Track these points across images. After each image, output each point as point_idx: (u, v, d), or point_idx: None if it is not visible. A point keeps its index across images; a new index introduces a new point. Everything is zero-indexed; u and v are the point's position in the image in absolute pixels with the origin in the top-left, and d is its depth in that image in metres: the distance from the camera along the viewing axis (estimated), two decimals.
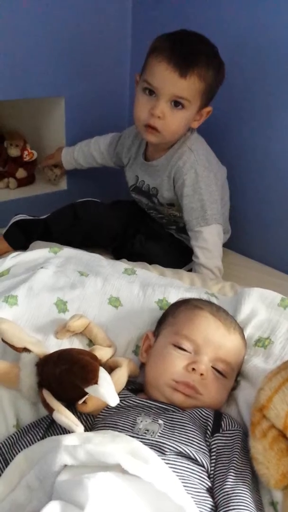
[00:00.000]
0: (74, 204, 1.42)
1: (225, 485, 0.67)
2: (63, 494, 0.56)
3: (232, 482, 0.67)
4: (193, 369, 0.77)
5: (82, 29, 1.59)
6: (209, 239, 1.30)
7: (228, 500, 0.65)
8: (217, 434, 0.73)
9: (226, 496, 0.65)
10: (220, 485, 0.67)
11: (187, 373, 0.78)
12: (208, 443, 0.72)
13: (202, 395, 0.78)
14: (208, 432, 0.73)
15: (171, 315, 0.88)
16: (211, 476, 0.69)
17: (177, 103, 1.19)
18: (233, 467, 0.69)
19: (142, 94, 1.22)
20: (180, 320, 0.84)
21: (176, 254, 1.35)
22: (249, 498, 0.66)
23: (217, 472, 0.69)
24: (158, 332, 0.87)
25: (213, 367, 0.80)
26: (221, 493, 0.66)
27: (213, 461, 0.70)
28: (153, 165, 1.36)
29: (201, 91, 1.20)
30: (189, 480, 0.65)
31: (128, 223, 1.46)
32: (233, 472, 0.68)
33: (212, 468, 0.69)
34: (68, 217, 1.40)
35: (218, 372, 0.80)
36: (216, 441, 0.73)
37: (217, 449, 0.72)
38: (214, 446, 0.72)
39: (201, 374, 0.77)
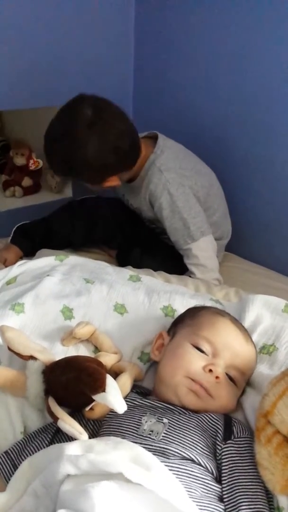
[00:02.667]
0: (72, 201, 1.50)
1: (243, 499, 0.67)
2: (68, 503, 0.57)
3: (249, 498, 0.67)
4: (210, 370, 0.78)
5: (85, 39, 1.60)
6: (199, 255, 1.29)
7: None
8: (229, 442, 0.73)
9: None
10: (237, 497, 0.67)
11: (203, 373, 0.78)
12: (219, 448, 0.72)
13: (213, 399, 0.78)
14: (219, 437, 0.73)
15: (189, 317, 0.88)
16: (223, 483, 0.69)
17: None
18: (249, 478, 0.69)
19: None
20: (201, 322, 0.85)
21: (172, 265, 1.32)
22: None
23: (232, 481, 0.69)
24: (174, 331, 0.88)
25: (227, 374, 0.80)
26: (238, 505, 0.66)
27: (226, 468, 0.70)
28: (132, 186, 1.37)
29: None
30: (193, 485, 0.65)
31: (125, 220, 1.48)
32: (249, 485, 0.68)
33: (225, 476, 0.69)
34: (66, 211, 1.46)
35: (230, 379, 0.80)
36: (229, 448, 0.72)
37: (231, 457, 0.71)
38: (226, 454, 0.72)
39: (217, 377, 0.78)
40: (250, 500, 0.67)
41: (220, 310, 0.91)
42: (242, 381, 0.82)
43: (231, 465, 0.70)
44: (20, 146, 1.79)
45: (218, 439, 0.73)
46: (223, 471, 0.70)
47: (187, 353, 0.80)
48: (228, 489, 0.68)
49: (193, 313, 0.89)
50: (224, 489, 0.68)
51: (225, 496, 0.68)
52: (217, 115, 1.52)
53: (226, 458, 0.71)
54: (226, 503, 0.67)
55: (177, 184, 1.28)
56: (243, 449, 0.73)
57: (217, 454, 0.72)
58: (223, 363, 0.80)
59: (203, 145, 1.41)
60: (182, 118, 1.36)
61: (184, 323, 0.87)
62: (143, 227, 1.48)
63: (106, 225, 1.46)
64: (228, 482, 0.69)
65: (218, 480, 0.69)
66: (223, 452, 0.72)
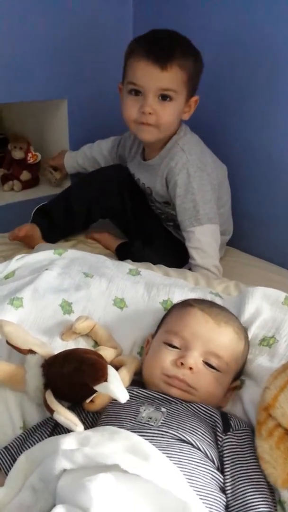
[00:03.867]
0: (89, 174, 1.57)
1: (248, 488, 0.67)
2: (66, 498, 0.57)
3: (252, 489, 0.67)
4: (182, 363, 0.78)
5: (84, 31, 1.59)
6: (202, 239, 1.29)
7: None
8: (229, 434, 0.74)
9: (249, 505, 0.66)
10: (241, 486, 0.67)
11: (176, 368, 0.79)
12: (220, 440, 0.72)
13: (197, 390, 0.78)
14: (219, 428, 0.74)
15: (166, 316, 0.90)
16: (226, 473, 0.69)
17: (164, 97, 1.22)
18: (252, 468, 0.69)
19: (128, 96, 1.25)
20: (171, 319, 0.87)
21: (174, 256, 1.34)
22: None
23: (235, 471, 0.69)
24: (156, 334, 0.89)
25: (205, 362, 0.80)
26: (239, 498, 0.66)
27: (228, 459, 0.70)
28: (149, 164, 1.38)
29: (184, 80, 1.22)
30: (195, 472, 0.65)
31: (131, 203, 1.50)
32: (251, 477, 0.68)
33: (228, 466, 0.69)
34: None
35: (211, 367, 0.80)
36: (229, 440, 0.73)
37: (232, 448, 0.72)
38: (227, 445, 0.72)
39: (190, 368, 0.78)
40: (255, 489, 0.67)
41: (194, 300, 0.90)
42: (225, 365, 0.81)
43: (233, 456, 0.71)
44: (19, 140, 1.77)
45: (218, 430, 0.73)
46: (225, 462, 0.70)
47: (160, 351, 0.82)
48: (231, 479, 0.68)
49: (169, 311, 0.91)
50: (226, 479, 0.68)
51: (227, 486, 0.68)
52: (215, 108, 1.51)
53: (227, 449, 0.71)
54: (229, 493, 0.67)
55: (196, 167, 1.29)
56: (242, 441, 0.73)
57: (219, 446, 0.72)
58: (196, 353, 0.80)
59: (202, 138, 1.41)
60: None
61: (162, 323, 0.89)
62: (149, 213, 1.48)
63: (119, 197, 1.48)
64: (231, 472, 0.69)
65: (220, 470, 0.69)
66: (224, 443, 0.72)
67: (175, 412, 0.74)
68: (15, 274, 1.03)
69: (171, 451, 0.65)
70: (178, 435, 0.69)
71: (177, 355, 0.80)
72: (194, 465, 0.66)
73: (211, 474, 0.67)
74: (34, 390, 0.77)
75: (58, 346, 0.87)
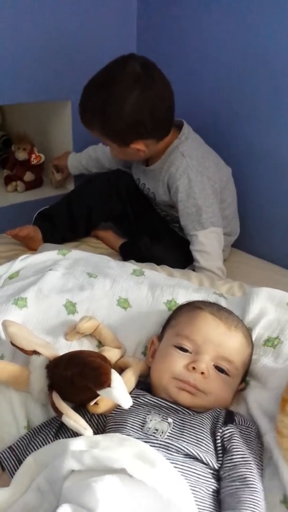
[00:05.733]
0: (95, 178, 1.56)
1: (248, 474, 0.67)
2: (71, 499, 0.57)
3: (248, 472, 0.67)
4: (193, 368, 0.78)
5: (88, 33, 1.59)
6: (205, 242, 1.30)
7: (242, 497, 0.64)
8: (230, 425, 0.73)
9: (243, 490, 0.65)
10: (236, 473, 0.67)
11: (188, 372, 0.78)
12: (220, 433, 0.72)
13: (206, 394, 0.78)
14: (220, 423, 0.73)
15: (174, 318, 0.89)
16: (225, 459, 0.69)
17: None
18: (252, 460, 0.69)
19: None
20: (181, 321, 0.85)
21: (182, 253, 1.35)
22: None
23: (230, 459, 0.69)
24: (162, 335, 0.88)
25: (216, 366, 0.80)
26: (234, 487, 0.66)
27: (229, 447, 0.70)
28: (151, 169, 1.38)
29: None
30: (198, 484, 0.65)
31: (136, 201, 1.50)
32: (251, 465, 0.69)
33: (228, 459, 0.69)
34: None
35: (221, 371, 0.80)
36: (230, 429, 0.72)
37: (231, 436, 0.71)
38: (228, 434, 0.72)
39: (202, 373, 0.78)
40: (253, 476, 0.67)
41: (202, 303, 0.90)
42: (235, 370, 0.81)
43: (234, 444, 0.70)
44: (22, 141, 1.78)
45: (218, 425, 0.73)
46: (226, 451, 0.70)
47: (170, 355, 0.81)
48: (230, 465, 0.68)
49: (176, 313, 0.90)
50: (226, 465, 0.68)
51: (225, 470, 0.68)
52: (220, 110, 1.51)
53: (227, 438, 0.71)
54: (226, 478, 0.67)
55: (196, 172, 1.29)
56: (245, 434, 0.73)
57: (217, 439, 0.71)
58: (207, 357, 0.79)
59: (206, 140, 1.41)
60: (185, 111, 1.36)
61: (170, 325, 0.88)
62: (153, 214, 1.49)
63: (120, 200, 1.49)
64: (231, 458, 0.69)
65: (217, 474, 0.69)
66: (224, 434, 0.72)
67: (181, 424, 0.73)
68: (19, 274, 1.03)
69: (175, 465, 0.65)
70: (183, 449, 0.68)
71: (188, 359, 0.80)
72: (197, 476, 0.66)
73: (212, 487, 0.67)
74: (38, 391, 0.77)
75: (62, 346, 0.87)
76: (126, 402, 0.70)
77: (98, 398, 0.74)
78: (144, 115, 1.19)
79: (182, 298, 0.97)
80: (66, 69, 1.59)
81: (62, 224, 1.49)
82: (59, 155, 1.73)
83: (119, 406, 0.75)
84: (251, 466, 0.68)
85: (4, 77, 1.48)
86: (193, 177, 1.29)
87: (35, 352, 0.79)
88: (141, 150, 1.27)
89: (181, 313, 0.88)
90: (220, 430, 0.72)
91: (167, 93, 1.23)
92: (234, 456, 0.69)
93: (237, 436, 0.72)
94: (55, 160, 1.74)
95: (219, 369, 0.80)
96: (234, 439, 0.71)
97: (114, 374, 0.73)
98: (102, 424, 0.76)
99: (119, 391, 0.70)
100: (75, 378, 0.73)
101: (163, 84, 1.22)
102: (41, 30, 1.50)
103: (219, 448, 0.71)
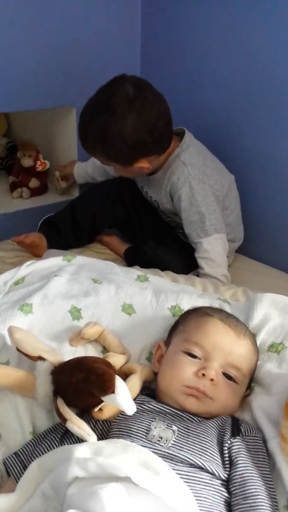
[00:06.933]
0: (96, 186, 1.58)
1: (257, 488, 0.66)
2: (76, 505, 0.57)
3: (257, 487, 0.67)
4: (203, 374, 0.78)
5: (92, 40, 1.61)
6: (209, 249, 1.31)
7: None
8: (238, 438, 0.73)
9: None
10: (248, 486, 0.67)
11: (197, 379, 0.78)
12: (228, 443, 0.72)
13: (214, 401, 0.78)
14: (227, 435, 0.73)
15: (181, 323, 0.88)
16: (233, 475, 0.68)
17: None
18: (258, 473, 0.69)
19: None
20: (190, 327, 0.85)
21: (187, 257, 1.36)
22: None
23: (242, 473, 0.68)
24: (169, 341, 0.88)
25: (224, 373, 0.80)
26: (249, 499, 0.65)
27: (236, 462, 0.69)
28: (153, 178, 1.39)
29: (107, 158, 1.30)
30: (204, 492, 0.65)
31: (142, 208, 1.51)
32: (258, 479, 0.68)
33: (238, 471, 0.68)
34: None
35: (229, 378, 0.80)
36: (238, 443, 0.72)
37: (239, 451, 0.71)
38: (235, 449, 0.71)
39: (211, 380, 0.77)
40: (263, 488, 0.66)
41: (211, 309, 0.90)
42: (242, 377, 0.81)
43: (241, 459, 0.70)
44: (27, 148, 1.79)
45: (226, 437, 0.73)
46: (233, 464, 0.69)
47: (180, 361, 0.81)
48: (239, 480, 0.67)
49: (183, 318, 0.90)
50: (234, 480, 0.68)
51: (235, 486, 0.67)
52: (223, 117, 1.52)
53: (235, 452, 0.71)
54: (234, 494, 0.66)
55: (198, 180, 1.30)
56: (251, 446, 0.73)
57: (225, 451, 0.71)
58: (217, 364, 0.79)
59: (209, 145, 1.42)
60: (188, 120, 1.37)
61: (177, 330, 0.88)
62: (157, 220, 1.50)
63: (123, 206, 1.50)
64: (240, 474, 0.68)
65: (226, 484, 0.69)
66: (232, 446, 0.71)
67: (186, 432, 0.73)
68: (24, 280, 1.04)
69: (180, 474, 0.64)
70: (187, 458, 0.68)
71: (197, 365, 0.79)
72: (203, 485, 0.66)
73: (220, 492, 0.67)
74: (43, 397, 0.78)
75: (67, 351, 0.88)
76: (130, 408, 0.70)
77: (103, 404, 0.74)
78: (144, 135, 1.21)
79: (186, 303, 0.97)
80: (71, 76, 1.60)
81: (67, 231, 1.50)
82: (64, 164, 1.74)
83: (124, 412, 0.76)
84: (260, 482, 0.68)
85: (10, 85, 1.50)
86: (195, 185, 1.30)
87: (40, 358, 0.79)
88: (145, 167, 1.29)
89: (190, 318, 0.88)
90: (229, 442, 0.72)
91: (163, 109, 1.24)
92: (243, 471, 0.69)
93: (244, 450, 0.71)
94: (60, 168, 1.75)
95: (227, 376, 0.80)
96: (241, 453, 0.71)
97: (119, 381, 0.73)
98: (107, 430, 0.76)
99: (123, 397, 0.70)
100: (79, 384, 0.73)
101: (158, 101, 1.23)
102: (46, 37, 1.51)
103: (226, 460, 0.70)
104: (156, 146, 1.26)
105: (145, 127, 1.20)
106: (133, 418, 0.74)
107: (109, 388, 0.71)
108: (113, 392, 0.70)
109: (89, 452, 0.63)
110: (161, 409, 0.78)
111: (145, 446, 0.68)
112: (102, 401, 0.73)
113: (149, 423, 0.73)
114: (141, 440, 0.70)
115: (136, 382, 0.82)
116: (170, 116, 1.27)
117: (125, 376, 0.82)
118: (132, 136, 1.20)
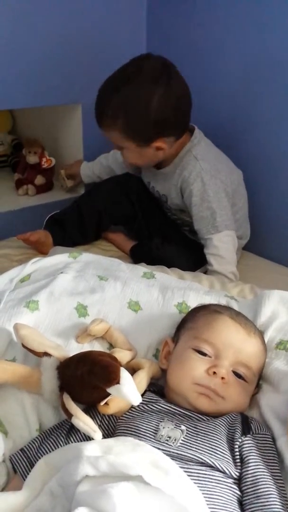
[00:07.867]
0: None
1: (269, 487, 0.66)
2: (86, 503, 0.56)
3: (269, 486, 0.66)
4: (214, 372, 0.77)
5: (97, 36, 1.60)
6: (219, 246, 1.30)
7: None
8: (249, 436, 0.72)
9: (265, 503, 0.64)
10: (261, 485, 0.66)
11: (208, 377, 0.77)
12: (239, 442, 0.71)
13: (224, 399, 0.77)
14: (238, 433, 0.72)
15: (190, 320, 0.88)
16: (244, 475, 0.68)
17: None
18: (269, 472, 0.68)
19: None
20: (200, 324, 0.84)
21: (193, 254, 1.36)
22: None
23: (254, 472, 0.68)
24: (178, 337, 0.87)
25: (234, 372, 0.79)
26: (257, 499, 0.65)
27: (246, 461, 0.69)
28: (162, 172, 1.38)
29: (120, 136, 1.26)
30: (217, 490, 0.64)
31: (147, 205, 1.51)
32: (270, 478, 0.67)
33: (249, 469, 0.68)
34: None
35: (239, 376, 0.79)
36: (249, 441, 0.71)
37: (250, 450, 0.71)
38: (246, 447, 0.71)
39: (222, 378, 0.77)
40: (275, 487, 0.66)
41: (220, 307, 0.89)
42: (252, 376, 0.81)
43: (253, 457, 0.70)
44: (33, 145, 1.79)
45: (237, 435, 0.72)
46: (244, 463, 0.69)
47: (190, 359, 0.79)
48: (251, 479, 0.67)
49: (192, 315, 0.89)
50: (246, 479, 0.67)
51: (246, 485, 0.67)
52: (230, 113, 1.51)
53: (247, 450, 0.70)
54: (246, 493, 0.66)
55: (210, 175, 1.29)
56: (261, 444, 0.72)
57: (235, 449, 0.70)
58: (227, 362, 0.78)
59: (217, 143, 1.41)
60: (196, 115, 1.37)
61: (186, 327, 0.87)
62: (163, 217, 1.49)
63: (129, 203, 1.50)
64: (252, 473, 0.68)
65: (238, 483, 0.68)
66: (243, 445, 0.71)
67: (194, 431, 0.72)
68: (30, 277, 1.04)
69: (189, 473, 0.64)
70: (197, 457, 0.67)
71: (208, 363, 0.78)
72: (214, 484, 0.65)
73: (233, 490, 0.66)
74: (49, 393, 0.78)
75: (73, 348, 0.87)
76: (136, 398, 0.70)
77: (108, 398, 0.74)
78: (169, 112, 1.20)
79: (193, 300, 0.97)
80: (75, 73, 1.60)
81: (73, 229, 1.49)
82: (71, 164, 1.74)
83: (131, 410, 0.75)
84: (272, 481, 0.67)
85: (14, 82, 1.49)
86: (207, 180, 1.28)
87: (45, 354, 0.79)
88: (162, 148, 1.27)
89: (199, 315, 0.87)
90: (240, 440, 0.71)
91: (186, 91, 1.24)
92: (255, 470, 0.68)
93: (255, 449, 0.71)
94: (67, 169, 1.75)
95: (237, 375, 0.79)
96: (253, 452, 0.70)
97: (123, 372, 0.72)
98: (113, 428, 0.76)
99: (128, 388, 0.70)
100: (84, 377, 0.73)
101: (182, 82, 1.23)
102: (50, 34, 1.50)
103: (237, 458, 0.70)
104: (177, 127, 1.25)
105: (171, 105, 1.20)
106: (141, 418, 0.73)
107: (114, 379, 0.70)
108: (118, 382, 0.70)
109: (99, 450, 0.62)
110: (169, 409, 0.77)
111: (154, 446, 0.67)
112: (107, 395, 0.72)
113: (157, 423, 0.73)
114: (150, 440, 0.70)
115: (143, 377, 0.81)
116: (191, 100, 1.26)
117: (133, 371, 0.82)
118: (158, 111, 1.19)
